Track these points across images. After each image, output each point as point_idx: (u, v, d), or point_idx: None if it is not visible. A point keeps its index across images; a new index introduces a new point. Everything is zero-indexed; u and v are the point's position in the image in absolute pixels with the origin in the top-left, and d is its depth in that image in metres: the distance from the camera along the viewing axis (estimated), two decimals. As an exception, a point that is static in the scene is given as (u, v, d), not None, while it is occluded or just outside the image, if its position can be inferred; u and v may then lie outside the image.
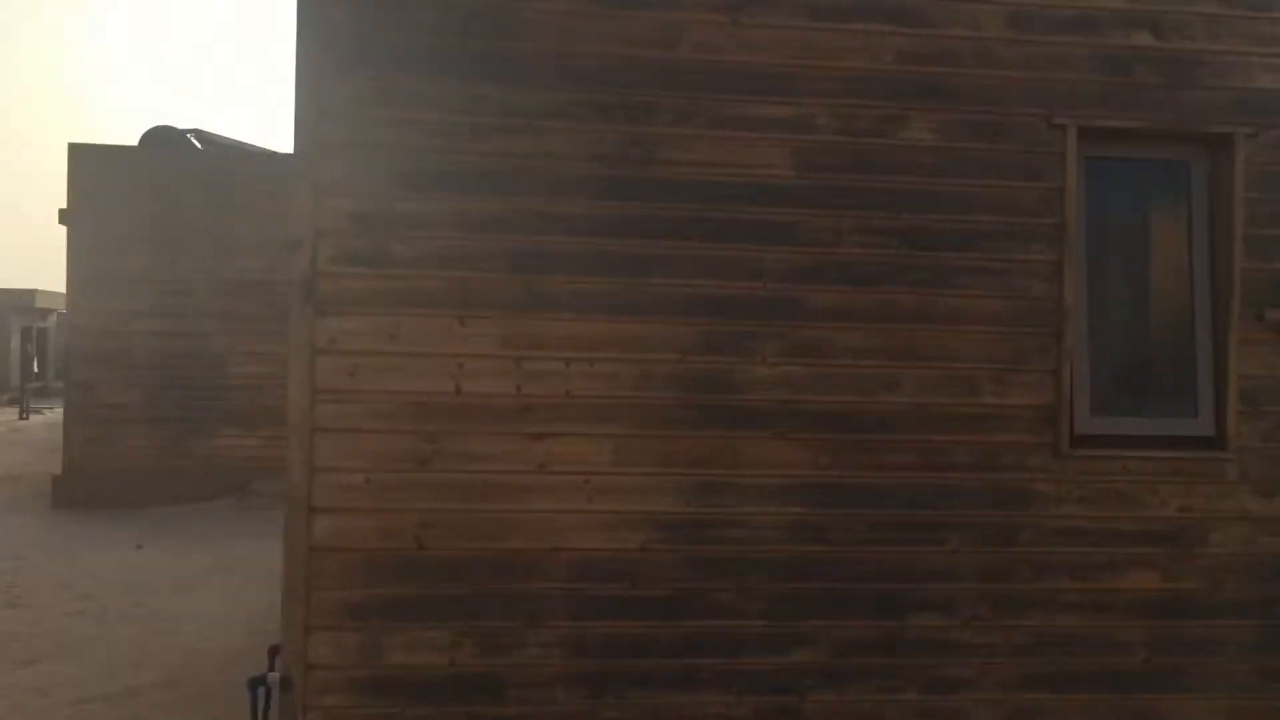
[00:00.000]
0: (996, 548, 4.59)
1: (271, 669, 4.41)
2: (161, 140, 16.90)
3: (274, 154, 16.81)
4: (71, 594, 9.63)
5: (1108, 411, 4.81)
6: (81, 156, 15.62)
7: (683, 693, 4.42)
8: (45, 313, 37.62)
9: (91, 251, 15.49)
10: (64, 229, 15.66)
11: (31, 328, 36.97)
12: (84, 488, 15.27)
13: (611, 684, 4.39)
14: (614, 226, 4.40)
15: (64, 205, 15.65)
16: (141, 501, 15.20)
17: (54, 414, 28.90)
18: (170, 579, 10.31)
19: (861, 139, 4.53)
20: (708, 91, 4.46)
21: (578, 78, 4.40)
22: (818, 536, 4.50)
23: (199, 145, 17.13)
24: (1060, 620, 4.61)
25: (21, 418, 29.25)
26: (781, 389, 4.49)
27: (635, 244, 4.41)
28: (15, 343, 36.26)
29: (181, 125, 17.73)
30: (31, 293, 36.27)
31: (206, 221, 15.67)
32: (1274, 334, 4.72)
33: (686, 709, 4.42)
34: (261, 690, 4.38)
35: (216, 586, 9.98)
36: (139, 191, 15.59)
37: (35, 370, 36.11)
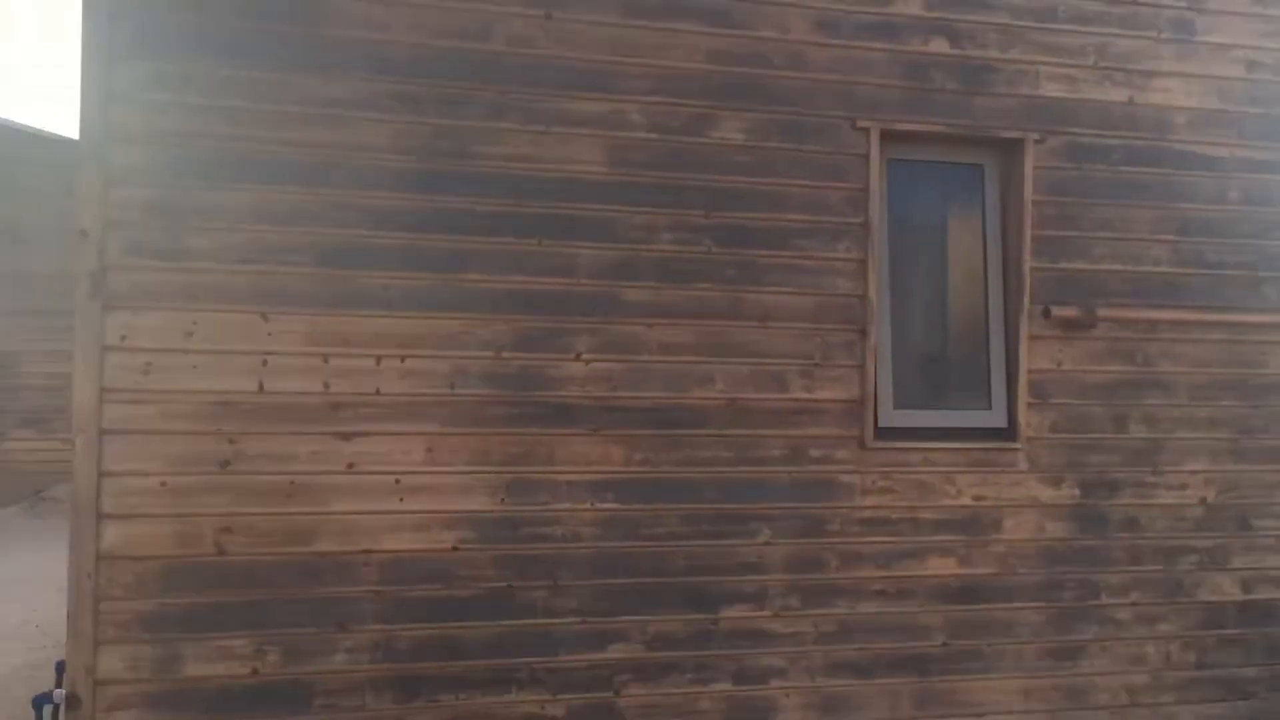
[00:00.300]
0: (806, 539, 4.70)
1: (59, 685, 4.16)
2: (-58, 123, 15.76)
3: (66, 140, 15.89)
4: None
5: (909, 405, 4.99)
6: None
7: (496, 693, 4.37)
8: None
9: None
10: None
11: None
12: None
13: (423, 687, 4.31)
14: (426, 221, 4.32)
15: None
16: (-79, 510, 14.16)
17: None
18: (-48, 593, 9.62)
19: (675, 137, 4.57)
20: (522, 85, 4.42)
21: (387, 68, 4.29)
22: (632, 532, 4.52)
23: (-15, 129, 16.05)
24: (865, 608, 4.76)
25: None
26: (596, 385, 4.49)
27: (448, 239, 4.33)
28: None
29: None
30: None
31: (-7, 211, 14.71)
32: (1060, 330, 4.98)
33: (499, 709, 4.37)
34: (48, 708, 4.12)
35: (3, 599, 9.37)
36: (-84, 177, 14.52)
37: None
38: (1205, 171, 5.13)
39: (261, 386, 4.17)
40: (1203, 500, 5.15)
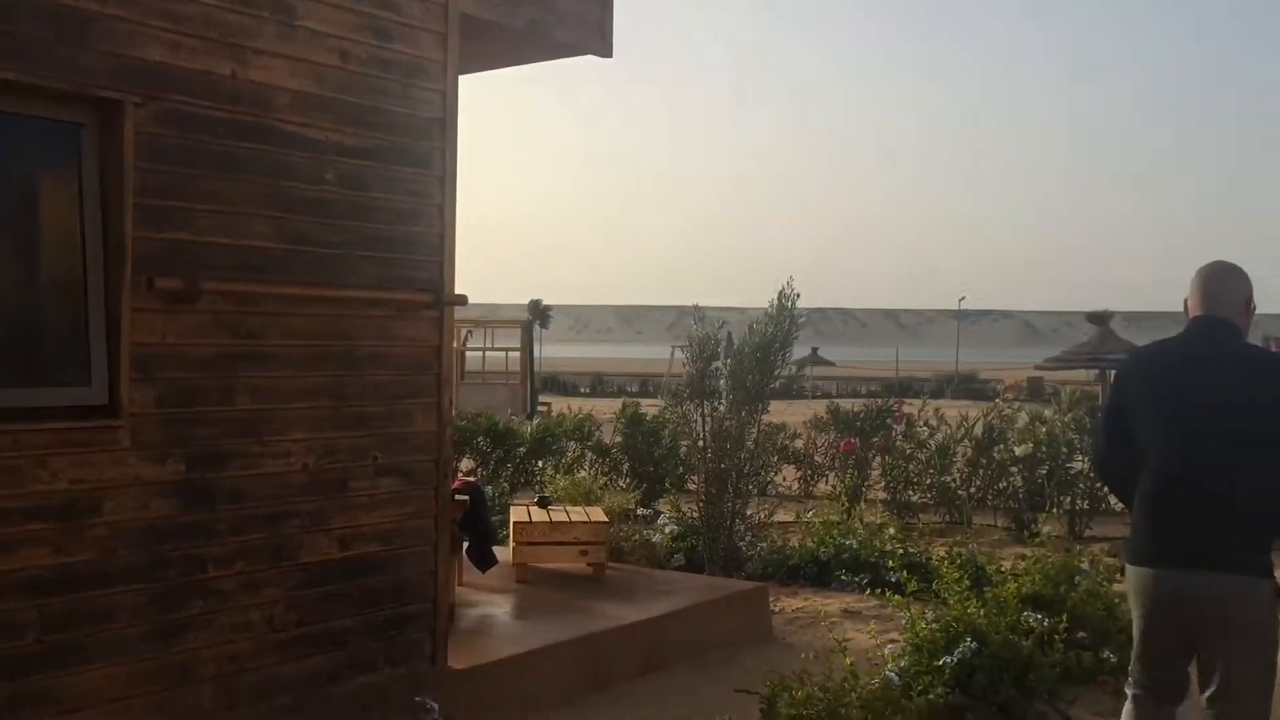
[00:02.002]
0: None
1: None
2: None
3: None
4: None
5: (-4, 384, 4.50)
6: None
7: None
8: None
9: None
10: None
11: None
12: None
13: None
14: None
15: None
16: None
17: None
18: None
19: None
20: None
21: None
22: None
23: None
24: (-62, 616, 4.19)
25: None
26: None
27: None
28: None
29: None
30: None
31: None
32: (164, 303, 4.85)
33: None
34: None
35: None
36: None
37: None
38: (306, 152, 5.34)
39: None
40: (305, 466, 5.40)
